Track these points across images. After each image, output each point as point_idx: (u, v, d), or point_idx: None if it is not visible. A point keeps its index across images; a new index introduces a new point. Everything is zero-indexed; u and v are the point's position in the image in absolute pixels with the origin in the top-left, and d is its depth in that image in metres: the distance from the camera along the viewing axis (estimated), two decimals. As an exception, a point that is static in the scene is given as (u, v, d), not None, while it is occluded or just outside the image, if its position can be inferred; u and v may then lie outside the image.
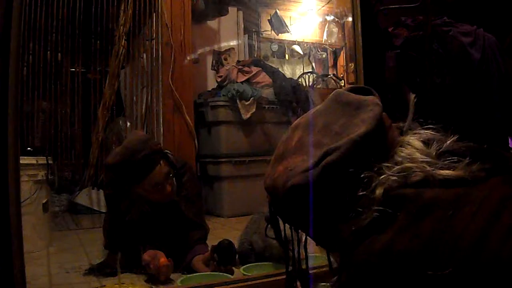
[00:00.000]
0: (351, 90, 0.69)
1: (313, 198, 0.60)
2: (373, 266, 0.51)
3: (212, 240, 1.85)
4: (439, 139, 0.61)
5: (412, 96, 0.68)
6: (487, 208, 0.48)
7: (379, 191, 0.55)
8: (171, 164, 1.80)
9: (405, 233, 0.50)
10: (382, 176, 0.56)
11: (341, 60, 5.07)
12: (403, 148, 0.61)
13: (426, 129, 0.64)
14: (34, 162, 2.14)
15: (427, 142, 0.61)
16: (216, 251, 1.66)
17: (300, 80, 4.28)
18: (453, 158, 0.57)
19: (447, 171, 0.55)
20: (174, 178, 1.81)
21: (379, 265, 0.51)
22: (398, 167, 0.57)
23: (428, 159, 0.57)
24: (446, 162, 0.56)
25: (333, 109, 0.67)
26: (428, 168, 0.56)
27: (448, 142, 0.60)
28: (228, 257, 1.68)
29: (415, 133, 0.63)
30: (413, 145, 0.61)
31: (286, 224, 0.71)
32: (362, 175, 0.58)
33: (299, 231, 0.71)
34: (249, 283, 1.41)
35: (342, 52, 5.06)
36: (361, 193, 0.57)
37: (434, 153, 0.59)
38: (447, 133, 0.62)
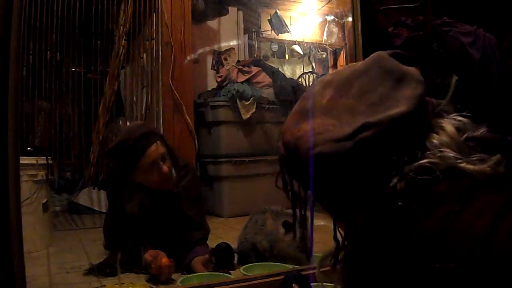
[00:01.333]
0: (393, 55, 0.64)
1: (338, 170, 0.58)
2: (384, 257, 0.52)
3: (212, 240, 1.85)
4: (471, 128, 0.59)
5: (454, 78, 0.65)
6: (495, 205, 0.48)
7: (400, 185, 0.54)
8: (171, 155, 1.80)
9: (415, 226, 0.51)
10: (407, 166, 0.55)
11: (341, 60, 5.07)
12: (435, 135, 0.58)
13: (461, 116, 0.61)
14: (34, 162, 2.14)
15: (459, 129, 0.59)
16: (214, 254, 1.66)
17: (300, 80, 4.27)
18: (481, 151, 0.56)
19: (470, 166, 0.54)
20: (171, 160, 1.79)
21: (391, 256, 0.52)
22: (423, 161, 0.55)
23: (454, 154, 0.56)
24: (472, 156, 0.55)
25: (372, 73, 0.62)
26: (453, 161, 0.55)
27: (479, 132, 0.59)
28: (225, 260, 1.68)
29: (450, 118, 0.61)
30: (446, 131, 0.58)
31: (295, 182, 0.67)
32: (391, 159, 0.56)
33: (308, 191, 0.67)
34: (249, 283, 1.40)
35: (342, 52, 5.06)
36: (383, 179, 0.55)
37: (463, 142, 0.57)
38: (478, 124, 0.61)
